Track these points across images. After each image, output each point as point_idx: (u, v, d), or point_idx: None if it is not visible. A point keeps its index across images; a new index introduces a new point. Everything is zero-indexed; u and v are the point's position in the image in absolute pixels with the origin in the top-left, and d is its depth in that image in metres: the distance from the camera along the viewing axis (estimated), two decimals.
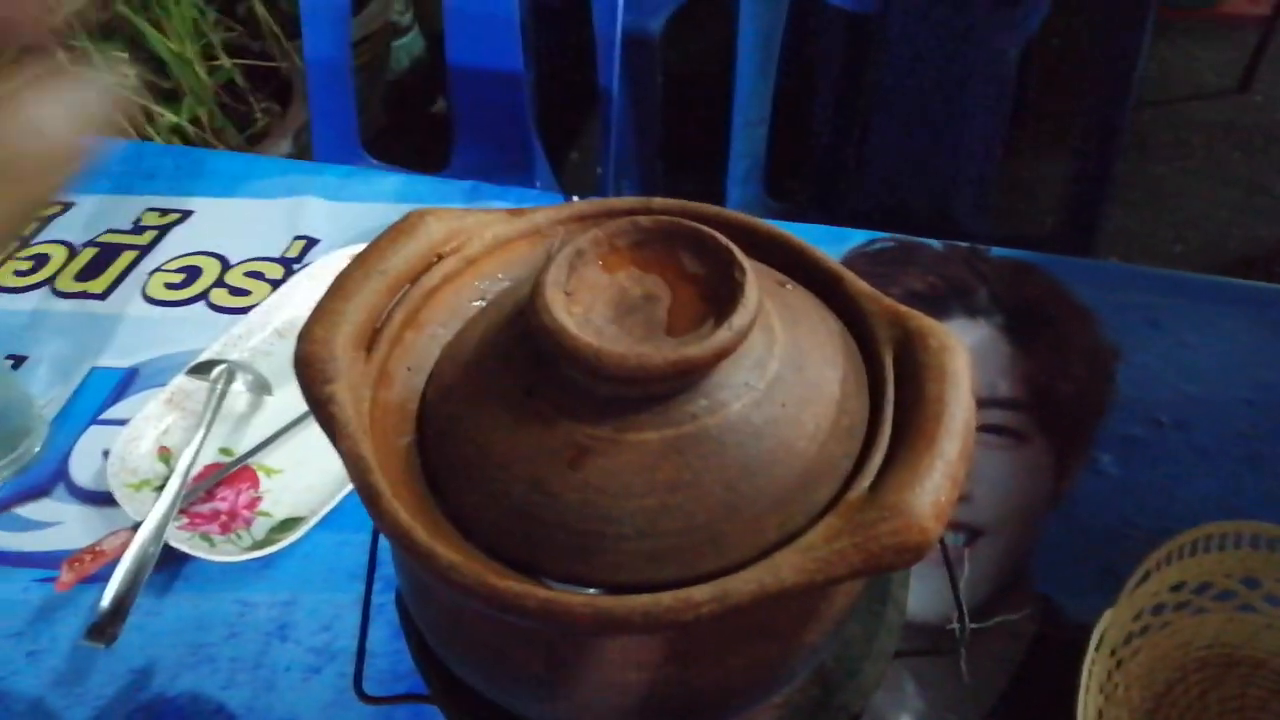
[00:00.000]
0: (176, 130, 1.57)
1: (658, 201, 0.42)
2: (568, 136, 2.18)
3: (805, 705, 0.38)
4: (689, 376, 0.31)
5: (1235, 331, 0.72)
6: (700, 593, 0.29)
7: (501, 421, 0.32)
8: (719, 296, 0.32)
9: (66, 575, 0.63)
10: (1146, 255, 1.91)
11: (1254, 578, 0.53)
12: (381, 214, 0.86)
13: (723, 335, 0.30)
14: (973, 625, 0.59)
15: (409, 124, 2.17)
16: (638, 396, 0.31)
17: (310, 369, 0.34)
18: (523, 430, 0.31)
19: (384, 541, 0.58)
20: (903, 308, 0.36)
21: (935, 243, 0.79)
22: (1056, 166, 2.09)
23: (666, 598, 0.29)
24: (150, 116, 1.54)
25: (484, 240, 0.40)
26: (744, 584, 0.29)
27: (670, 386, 0.31)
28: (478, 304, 0.40)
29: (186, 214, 0.88)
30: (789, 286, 0.38)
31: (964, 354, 0.34)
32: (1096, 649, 0.48)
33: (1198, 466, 0.65)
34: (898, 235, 0.80)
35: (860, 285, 0.37)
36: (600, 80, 1.40)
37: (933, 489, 0.30)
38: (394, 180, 0.89)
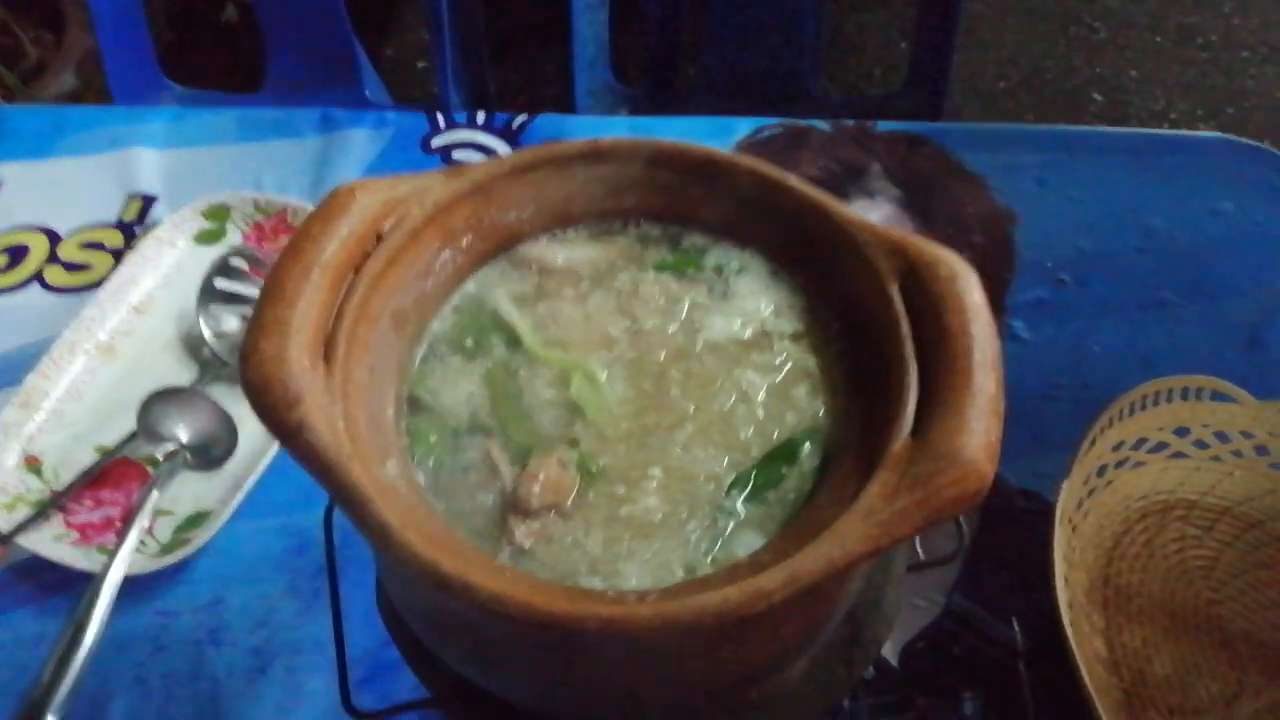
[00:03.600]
0: None
1: (605, 142, 0.38)
2: (379, 33, 2.03)
3: (839, 645, 0.37)
4: None
5: (1118, 181, 0.74)
6: (770, 580, 0.27)
7: None
8: None
9: None
10: (974, 95, 1.96)
11: (1184, 427, 0.55)
12: (226, 159, 0.77)
13: None
14: None
15: (199, 39, 1.98)
16: None
17: (269, 394, 0.29)
18: None
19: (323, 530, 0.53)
20: (898, 234, 0.34)
21: (823, 124, 0.77)
22: (872, 17, 2.11)
23: (735, 593, 0.27)
24: None
25: (424, 208, 0.35)
26: (813, 563, 0.27)
27: None
28: (430, 282, 0.35)
29: None
30: None
31: (976, 280, 0.32)
32: (1059, 522, 0.50)
33: (1103, 320, 0.67)
34: (785, 120, 0.78)
35: (850, 214, 0.35)
36: None
37: (982, 430, 0.29)
38: (229, 118, 0.80)
